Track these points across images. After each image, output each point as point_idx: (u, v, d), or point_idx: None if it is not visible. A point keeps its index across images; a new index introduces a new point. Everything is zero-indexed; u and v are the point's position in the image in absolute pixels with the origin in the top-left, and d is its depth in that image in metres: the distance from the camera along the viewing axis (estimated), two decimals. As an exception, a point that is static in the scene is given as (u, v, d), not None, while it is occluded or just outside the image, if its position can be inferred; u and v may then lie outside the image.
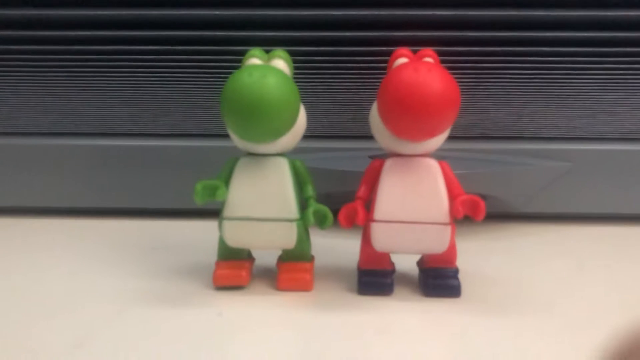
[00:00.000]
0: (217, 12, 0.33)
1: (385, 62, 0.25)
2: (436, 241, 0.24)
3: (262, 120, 0.22)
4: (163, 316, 0.23)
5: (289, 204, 0.24)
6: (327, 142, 0.36)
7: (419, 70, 0.21)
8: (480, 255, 0.31)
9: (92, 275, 0.27)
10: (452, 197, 0.24)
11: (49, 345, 0.20)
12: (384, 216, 0.24)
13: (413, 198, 0.23)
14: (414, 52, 0.25)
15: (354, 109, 0.35)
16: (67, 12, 0.33)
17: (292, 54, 0.33)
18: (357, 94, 0.35)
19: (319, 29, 0.33)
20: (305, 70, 0.34)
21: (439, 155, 0.34)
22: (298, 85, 0.34)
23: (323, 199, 0.34)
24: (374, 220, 0.24)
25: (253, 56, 0.24)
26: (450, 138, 0.35)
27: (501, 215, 0.37)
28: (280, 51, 0.24)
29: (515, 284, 0.27)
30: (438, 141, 0.24)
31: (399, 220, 0.23)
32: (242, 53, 0.25)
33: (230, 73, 0.23)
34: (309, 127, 0.35)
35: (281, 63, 0.24)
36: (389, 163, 0.24)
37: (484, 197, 0.34)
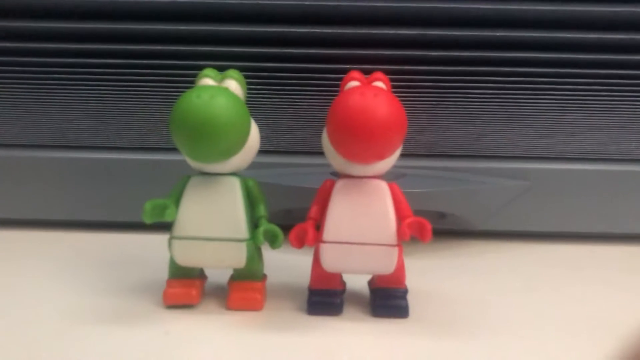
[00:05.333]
0: (181, 27, 0.33)
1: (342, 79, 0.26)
2: (384, 262, 0.24)
3: (210, 141, 0.22)
4: (108, 335, 0.23)
5: (239, 224, 0.24)
6: (290, 158, 0.36)
7: (365, 94, 0.22)
8: (435, 273, 0.31)
9: (44, 291, 0.27)
10: (400, 218, 0.24)
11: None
12: (333, 237, 0.24)
13: (362, 219, 0.24)
14: (368, 73, 0.25)
15: (316, 125, 0.35)
16: (28, 23, 0.33)
17: (255, 69, 0.33)
18: (320, 110, 0.35)
19: (282, 46, 0.33)
20: (268, 86, 0.34)
21: (399, 173, 0.34)
22: (260, 101, 0.34)
23: (284, 214, 0.34)
24: (323, 241, 0.24)
25: (205, 76, 0.24)
26: (411, 156, 0.36)
27: (460, 232, 0.37)
28: (233, 72, 0.25)
29: (467, 304, 0.27)
30: (388, 163, 0.24)
31: (348, 241, 0.24)
32: (205, 67, 0.25)
33: (192, 87, 0.23)
34: (271, 142, 0.36)
35: (233, 84, 0.24)
36: (339, 184, 0.24)
37: (443, 215, 0.35)
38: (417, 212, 0.24)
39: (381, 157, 0.23)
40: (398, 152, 0.24)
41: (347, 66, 0.32)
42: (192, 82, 0.25)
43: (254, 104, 0.34)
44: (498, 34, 0.32)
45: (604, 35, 0.32)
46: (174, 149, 0.36)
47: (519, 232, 0.37)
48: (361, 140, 0.22)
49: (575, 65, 0.33)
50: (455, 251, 0.35)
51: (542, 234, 0.37)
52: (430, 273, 0.31)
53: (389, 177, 0.25)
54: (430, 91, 0.34)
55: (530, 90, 0.34)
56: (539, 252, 0.35)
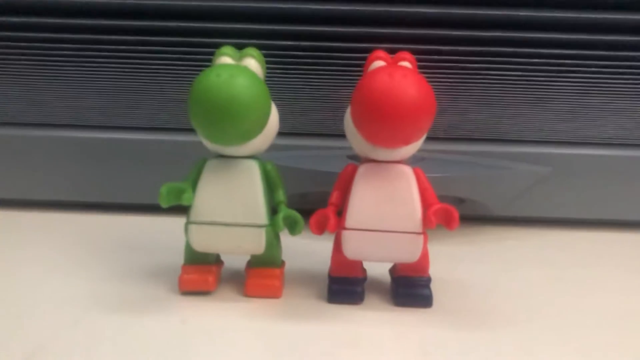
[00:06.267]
0: (195, 3, 0.31)
1: (366, 58, 0.24)
2: (408, 250, 0.23)
3: (231, 122, 0.21)
4: (123, 323, 0.22)
5: (259, 210, 0.23)
6: (305, 140, 0.35)
7: (393, 75, 0.20)
8: (456, 260, 0.30)
9: (57, 276, 0.27)
10: (425, 205, 0.23)
11: (-1, 356, 0.19)
12: (356, 224, 0.23)
13: (386, 206, 0.23)
14: (392, 52, 0.24)
15: (334, 107, 0.34)
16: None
17: (270, 48, 0.32)
18: (336, 90, 0.34)
19: (299, 23, 0.32)
20: (283, 65, 0.33)
21: (417, 157, 0.33)
22: (276, 81, 0.33)
23: (299, 198, 0.33)
24: (345, 228, 0.23)
25: (224, 54, 0.23)
26: (431, 139, 0.34)
27: (480, 218, 0.36)
28: (252, 49, 0.23)
29: (490, 292, 0.26)
30: (413, 147, 0.23)
31: (371, 228, 0.23)
32: (219, 45, 0.24)
33: (205, 66, 0.22)
34: (286, 124, 0.35)
35: (253, 62, 0.23)
36: (362, 169, 0.23)
37: (462, 200, 0.34)
38: (436, 196, 0.23)
39: (408, 141, 0.22)
40: (424, 136, 0.23)
41: (365, 45, 0.31)
42: (205, 60, 0.24)
43: (268, 84, 0.33)
44: (521, 13, 0.31)
45: (630, 16, 0.31)
46: (187, 129, 0.35)
47: (540, 218, 0.36)
48: (389, 124, 0.21)
49: (600, 47, 0.32)
50: (475, 237, 0.35)
51: (564, 220, 0.37)
52: (450, 260, 0.30)
53: (408, 160, 0.24)
54: (451, 72, 0.33)
55: (554, 72, 0.33)
56: (560, 238, 0.35)
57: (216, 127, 0.21)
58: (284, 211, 0.24)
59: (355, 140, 0.23)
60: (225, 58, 0.23)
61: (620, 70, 0.33)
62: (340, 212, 0.24)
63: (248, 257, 0.25)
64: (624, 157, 0.35)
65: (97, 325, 0.22)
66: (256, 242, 0.24)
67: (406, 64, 0.23)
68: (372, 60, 0.23)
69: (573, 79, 0.33)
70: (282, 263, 0.26)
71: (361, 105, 0.21)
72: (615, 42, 0.32)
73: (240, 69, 0.22)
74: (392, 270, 0.26)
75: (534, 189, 0.35)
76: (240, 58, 0.23)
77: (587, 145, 0.35)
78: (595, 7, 0.31)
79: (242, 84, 0.21)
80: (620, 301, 0.26)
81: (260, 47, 0.25)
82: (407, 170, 0.23)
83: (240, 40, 0.31)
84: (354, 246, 0.23)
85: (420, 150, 0.24)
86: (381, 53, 0.23)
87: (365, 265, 0.25)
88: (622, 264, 0.31)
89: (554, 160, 0.35)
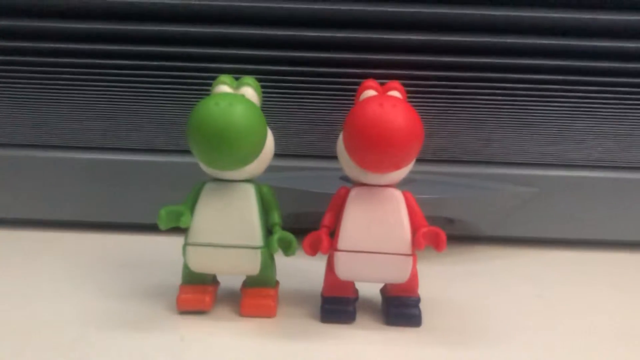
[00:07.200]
0: (192, 29, 0.33)
1: (358, 83, 0.26)
2: (398, 271, 0.24)
3: (228, 149, 0.22)
4: (123, 341, 0.23)
5: (254, 232, 0.24)
6: (299, 162, 0.36)
7: (383, 105, 0.22)
8: (445, 280, 0.31)
9: (56, 295, 0.27)
10: (414, 227, 0.24)
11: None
12: (348, 246, 0.24)
13: (376, 228, 0.24)
14: (383, 77, 0.25)
15: (327, 129, 0.35)
16: (39, 23, 0.32)
17: (265, 72, 0.33)
18: (329, 113, 0.35)
19: (293, 49, 0.33)
20: (278, 89, 0.34)
21: (408, 179, 0.34)
22: (271, 104, 0.34)
23: (292, 218, 0.34)
24: (337, 250, 0.24)
25: (222, 83, 0.24)
26: (420, 161, 0.35)
27: (468, 238, 0.37)
28: (249, 79, 0.24)
29: (478, 312, 0.27)
30: (403, 172, 0.24)
31: (362, 250, 0.24)
32: (216, 70, 0.25)
33: (203, 90, 0.23)
34: (281, 146, 0.36)
35: (250, 91, 0.24)
36: (353, 192, 0.24)
37: (452, 220, 0.35)
38: (425, 218, 0.24)
39: (398, 167, 0.23)
40: (413, 161, 0.24)
41: (357, 70, 0.32)
42: (203, 85, 0.24)
43: (264, 107, 0.34)
44: (508, 40, 0.32)
45: (615, 43, 0.32)
46: (185, 151, 0.36)
47: (528, 239, 0.37)
48: (379, 151, 0.22)
49: (585, 73, 0.33)
50: (464, 257, 0.35)
51: (551, 241, 0.38)
52: (439, 279, 0.31)
53: (398, 183, 0.25)
54: (440, 96, 0.34)
55: (540, 97, 0.34)
56: (547, 258, 0.36)
57: (215, 153, 0.22)
58: (278, 233, 0.25)
59: (347, 164, 0.24)
60: (223, 87, 0.24)
61: (605, 95, 0.34)
62: (333, 234, 0.24)
63: (243, 277, 0.26)
64: (609, 178, 0.36)
65: (97, 343, 0.22)
66: (252, 263, 0.24)
67: (396, 93, 0.24)
68: (363, 90, 0.24)
69: (559, 103, 0.34)
70: (277, 283, 0.26)
71: (353, 133, 0.22)
72: (600, 68, 0.33)
73: (237, 97, 0.23)
74: (383, 290, 0.27)
75: (522, 210, 0.36)
76: (237, 87, 0.24)
77: (573, 168, 0.36)
78: (579, 35, 0.32)
79: (239, 112, 0.22)
80: (609, 320, 0.26)
81: (256, 72, 0.26)
82: (397, 194, 0.24)
83: (237, 65, 0.32)
84: (346, 267, 0.24)
85: (410, 172, 0.25)
86: (372, 83, 0.24)
87: (357, 285, 0.26)
88: (610, 283, 0.31)
89: (540, 182, 0.36)
